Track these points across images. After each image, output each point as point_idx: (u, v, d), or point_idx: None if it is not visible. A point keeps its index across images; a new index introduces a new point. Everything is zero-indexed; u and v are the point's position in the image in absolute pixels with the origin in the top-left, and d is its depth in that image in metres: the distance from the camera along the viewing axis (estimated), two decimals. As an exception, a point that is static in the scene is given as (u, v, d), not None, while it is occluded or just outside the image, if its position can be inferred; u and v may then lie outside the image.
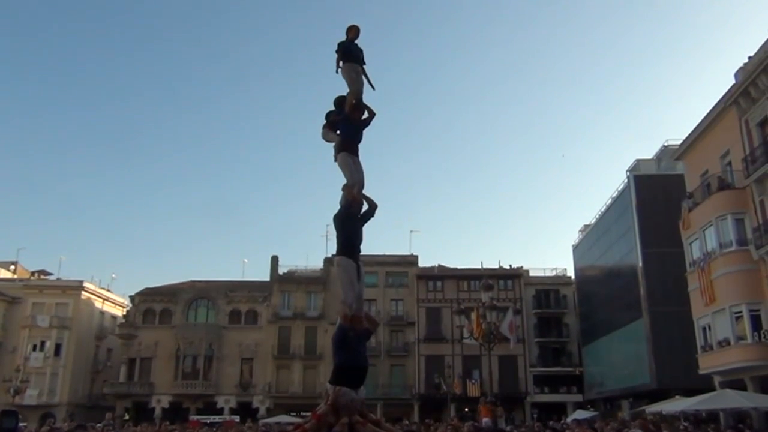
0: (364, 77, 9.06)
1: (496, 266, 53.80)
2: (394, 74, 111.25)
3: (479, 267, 52.26)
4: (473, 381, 48.61)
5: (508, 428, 24.48)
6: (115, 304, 60.06)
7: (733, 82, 27.76)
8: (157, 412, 48.36)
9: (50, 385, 50.13)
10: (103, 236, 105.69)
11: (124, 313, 57.38)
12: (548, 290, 55.05)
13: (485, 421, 19.78)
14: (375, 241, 45.27)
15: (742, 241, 25.85)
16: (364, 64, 9.15)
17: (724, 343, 26.30)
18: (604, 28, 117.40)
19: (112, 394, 51.02)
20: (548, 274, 56.95)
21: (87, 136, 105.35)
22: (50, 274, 58.68)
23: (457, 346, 49.35)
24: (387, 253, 53.32)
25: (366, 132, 8.87)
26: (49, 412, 45.94)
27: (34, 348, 50.99)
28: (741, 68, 27.33)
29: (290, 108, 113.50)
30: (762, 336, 24.05)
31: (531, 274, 55.59)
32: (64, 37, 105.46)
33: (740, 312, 25.47)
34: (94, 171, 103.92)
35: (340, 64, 8.98)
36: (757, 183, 25.24)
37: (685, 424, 24.91)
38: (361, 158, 8.70)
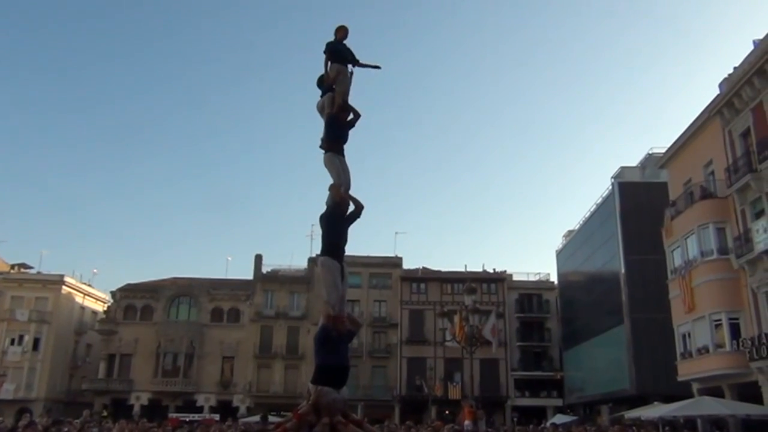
0: (363, 65, 9.10)
1: (480, 270, 54.11)
2: (383, 77, 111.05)
3: (463, 270, 52.61)
4: (455, 384, 48.70)
5: (488, 431, 24.55)
6: (95, 300, 59.38)
7: (718, 92, 28.03)
8: (136, 409, 47.94)
9: (27, 380, 49.49)
10: (86, 231, 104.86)
11: (105, 308, 56.82)
12: (531, 295, 55.36)
13: (466, 424, 19.82)
14: (359, 242, 45.29)
15: (723, 250, 26.08)
16: (357, 60, 9.13)
17: (703, 351, 26.53)
18: (589, 37, 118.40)
19: (91, 390, 50.55)
20: (531, 278, 57.27)
21: (72, 133, 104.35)
22: (30, 267, 57.89)
23: (439, 348, 49.51)
24: (371, 255, 53.30)
25: (353, 133, 8.86)
26: (26, 407, 45.29)
27: (12, 342, 50.35)
28: (726, 79, 27.56)
29: (278, 109, 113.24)
30: (740, 344, 24.24)
31: (514, 278, 55.81)
32: (57, 34, 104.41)
33: (720, 320, 25.71)
34: (79, 166, 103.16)
35: (329, 64, 9.00)
36: (738, 193, 25.49)
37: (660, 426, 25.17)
38: (347, 159, 8.69)
